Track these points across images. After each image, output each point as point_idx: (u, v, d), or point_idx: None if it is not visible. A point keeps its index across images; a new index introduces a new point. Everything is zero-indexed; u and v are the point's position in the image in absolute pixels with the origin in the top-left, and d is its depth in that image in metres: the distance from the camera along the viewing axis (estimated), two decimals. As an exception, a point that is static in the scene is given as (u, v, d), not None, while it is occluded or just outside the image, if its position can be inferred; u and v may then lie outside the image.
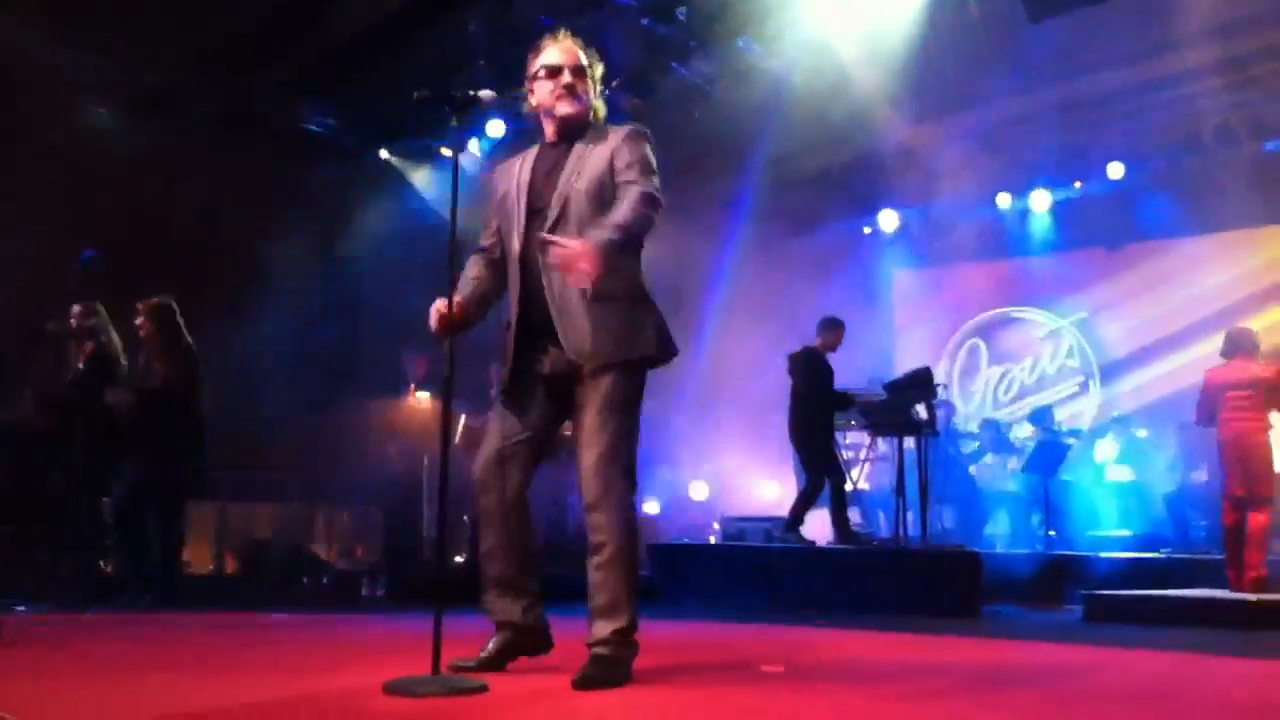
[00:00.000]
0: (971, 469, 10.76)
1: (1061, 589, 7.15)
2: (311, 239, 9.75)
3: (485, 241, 3.62)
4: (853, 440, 10.00)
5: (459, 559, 8.55)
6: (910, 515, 7.82)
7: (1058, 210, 11.66)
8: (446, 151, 10.26)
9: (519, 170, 3.51)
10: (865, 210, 12.52)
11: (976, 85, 9.48)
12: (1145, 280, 11.55)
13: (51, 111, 8.61)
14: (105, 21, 8.47)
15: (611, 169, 3.36)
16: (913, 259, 12.98)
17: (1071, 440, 10.32)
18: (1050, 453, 9.62)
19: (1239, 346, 7.00)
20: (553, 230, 3.32)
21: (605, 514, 3.25)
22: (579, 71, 3.47)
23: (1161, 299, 11.35)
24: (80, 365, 6.73)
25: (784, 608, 6.68)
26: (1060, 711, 3.01)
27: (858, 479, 9.30)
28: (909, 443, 8.23)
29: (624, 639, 3.25)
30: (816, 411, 8.01)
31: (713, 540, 10.08)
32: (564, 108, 3.45)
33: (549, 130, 3.52)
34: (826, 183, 11.96)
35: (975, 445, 11.07)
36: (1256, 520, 6.67)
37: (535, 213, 3.41)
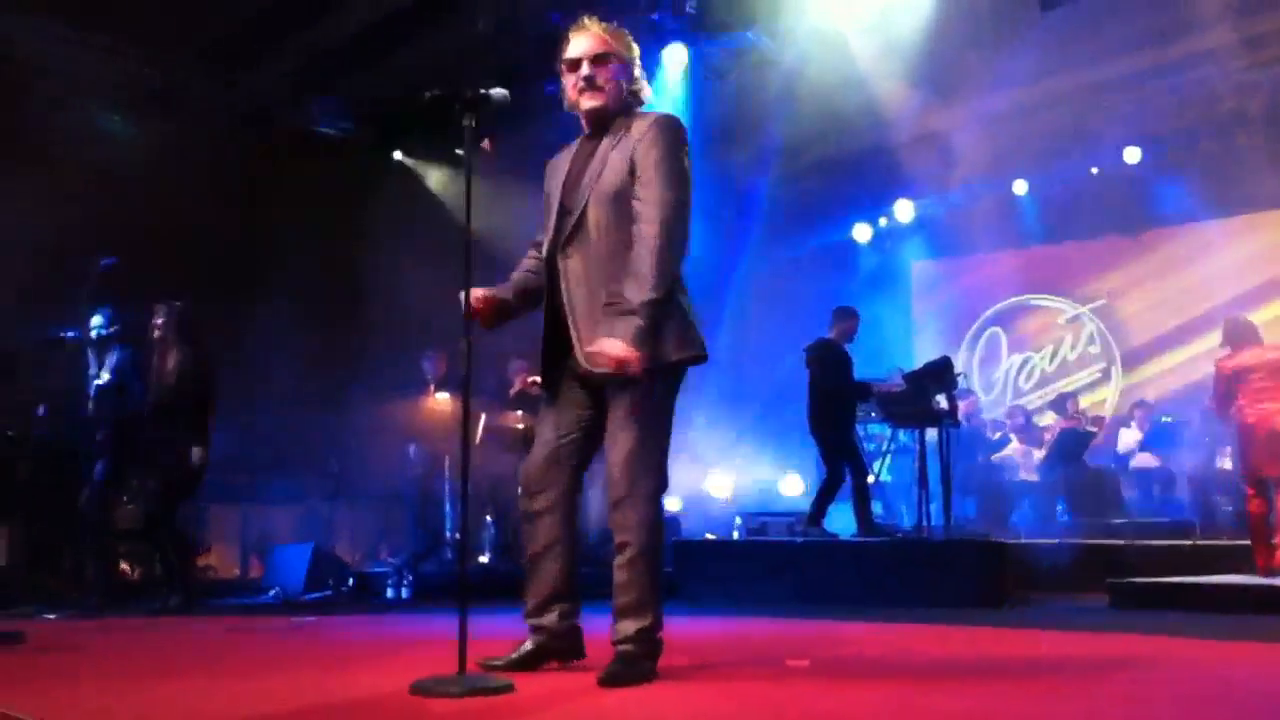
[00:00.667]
0: (994, 458, 10.71)
1: (1087, 577, 7.09)
2: (326, 239, 9.76)
3: (540, 236, 3.50)
4: (874, 432, 9.96)
5: (483, 559, 8.56)
6: (933, 506, 7.78)
7: (1074, 196, 11.59)
8: (460, 150, 10.24)
9: (561, 167, 3.46)
10: (881, 201, 12.48)
11: (989, 72, 9.43)
12: (1165, 265, 11.48)
13: (60, 113, 8.65)
14: (111, 21, 8.50)
15: (632, 172, 3.26)
16: (930, 249, 12.94)
17: (1093, 429, 10.25)
18: (1073, 440, 9.56)
19: (1244, 335, 6.99)
20: (574, 233, 3.29)
21: (629, 513, 3.22)
22: (599, 60, 3.37)
23: (1182, 283, 11.28)
24: (104, 372, 6.76)
25: (807, 602, 6.65)
26: (1086, 702, 2.98)
27: (880, 471, 9.25)
28: (930, 433, 8.18)
29: (648, 637, 3.23)
30: (835, 403, 7.97)
31: (735, 536, 10.06)
32: (585, 102, 3.39)
33: (584, 124, 3.47)
34: (841, 174, 11.92)
35: (998, 435, 11.01)
36: (1282, 504, 6.62)
37: (565, 212, 3.37)
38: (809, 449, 9.03)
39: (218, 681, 3.50)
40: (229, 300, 8.59)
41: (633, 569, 3.23)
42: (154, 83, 9.37)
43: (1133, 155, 10.83)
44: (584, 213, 3.31)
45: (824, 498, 7.87)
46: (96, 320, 6.81)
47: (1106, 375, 11.96)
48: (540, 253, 3.48)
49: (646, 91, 3.49)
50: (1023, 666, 3.81)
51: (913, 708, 2.92)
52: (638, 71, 3.47)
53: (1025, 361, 12.51)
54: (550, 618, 3.38)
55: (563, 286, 3.31)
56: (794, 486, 11.45)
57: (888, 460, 9.72)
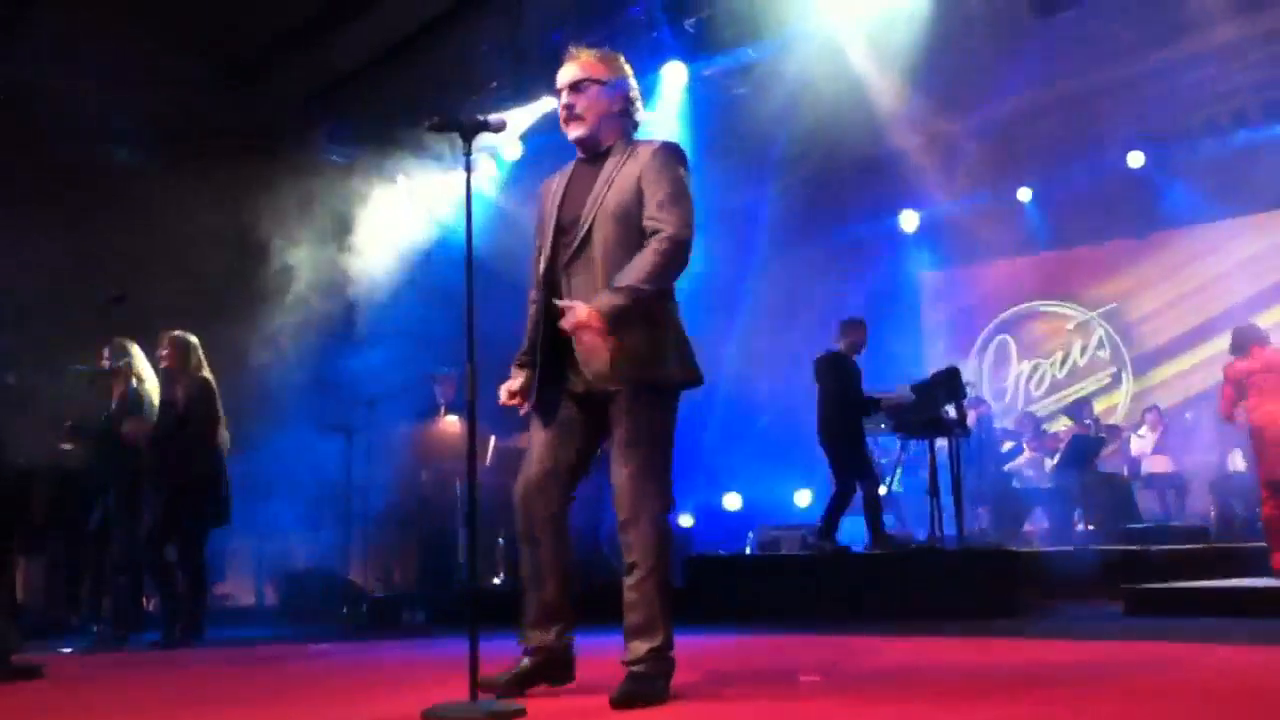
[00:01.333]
0: (1007, 466, 10.68)
1: (1102, 584, 7.07)
2: (331, 262, 9.81)
3: (537, 272, 3.48)
4: (885, 443, 9.94)
5: (495, 580, 8.56)
6: (945, 516, 7.76)
7: (1079, 201, 11.58)
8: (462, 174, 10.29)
9: (556, 189, 3.49)
10: (886, 212, 12.49)
11: (991, 80, 9.44)
12: (1173, 267, 11.46)
13: (66, 143, 8.71)
14: (117, 50, 8.56)
15: (639, 193, 3.31)
16: (935, 258, 12.93)
17: (1102, 436, 10.22)
18: (1084, 447, 9.54)
19: (1251, 339, 7.00)
20: (578, 252, 3.33)
21: (638, 533, 3.24)
22: (577, 88, 3.41)
23: (1191, 286, 11.26)
24: (114, 403, 6.80)
25: (821, 615, 6.64)
26: (1102, 710, 2.97)
27: (891, 483, 9.23)
28: (941, 443, 8.17)
29: (660, 656, 3.24)
30: (845, 416, 7.96)
31: (747, 550, 10.05)
32: (569, 131, 3.44)
33: (577, 149, 3.51)
34: (845, 186, 11.94)
35: (1011, 444, 10.98)
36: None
37: (563, 231, 3.40)
38: (820, 461, 9.02)
39: (234, 711, 3.51)
40: (240, 327, 8.63)
41: (642, 589, 3.24)
42: (165, 111, 9.43)
43: (1136, 159, 10.83)
44: (589, 233, 3.33)
45: (835, 510, 7.85)
46: (107, 351, 6.84)
47: (1117, 380, 11.93)
48: (536, 291, 3.50)
49: (640, 114, 3.51)
50: (1040, 676, 3.79)
51: (926, 722, 2.92)
52: (632, 94, 3.49)
53: (1035, 368, 12.49)
54: (547, 637, 3.40)
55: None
56: (806, 499, 11.43)
57: (899, 471, 9.71)
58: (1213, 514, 9.20)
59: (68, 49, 8.47)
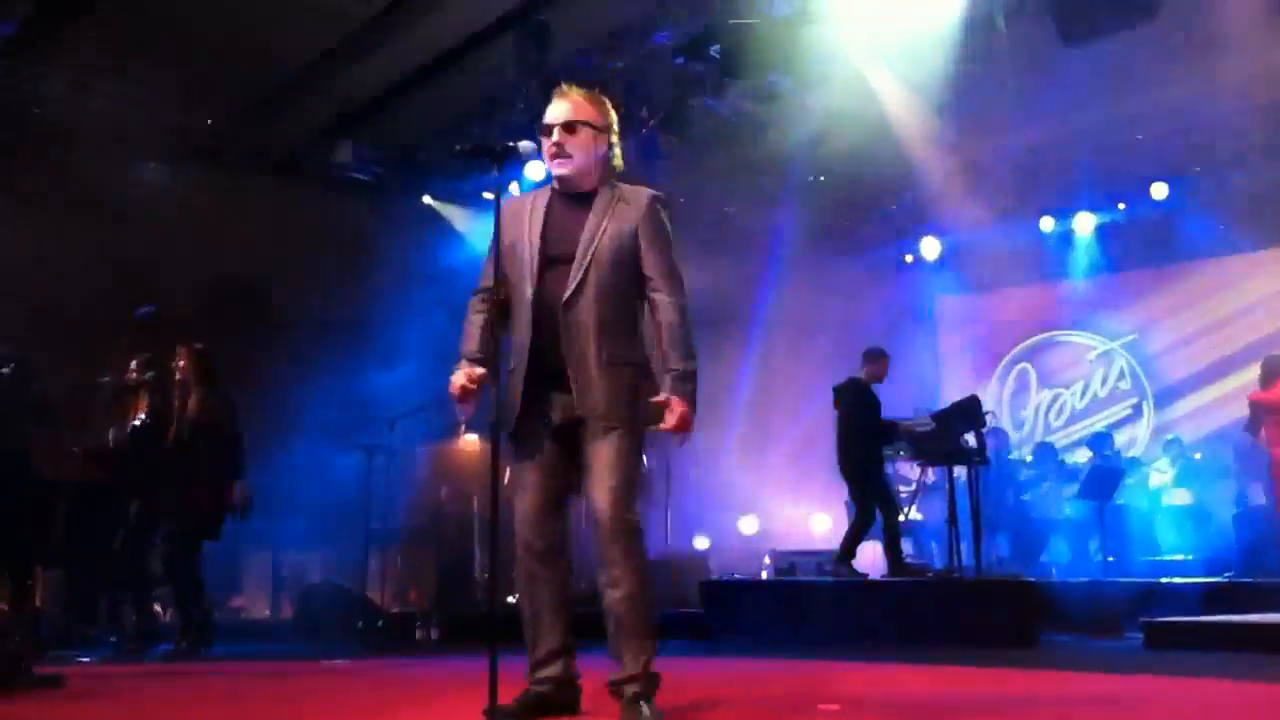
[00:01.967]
0: (1026, 496, 10.62)
1: (1121, 616, 7.02)
2: (356, 283, 9.89)
3: (489, 283, 3.49)
4: (904, 472, 9.91)
5: (511, 599, 8.55)
6: (964, 545, 7.72)
7: (1102, 232, 11.58)
8: (488, 195, 10.39)
9: (529, 216, 3.46)
10: (907, 238, 12.49)
11: (1015, 109, 9.44)
12: (1194, 299, 11.40)
13: (98, 163, 8.84)
14: (147, 72, 8.69)
15: (636, 243, 3.38)
16: (956, 285, 12.90)
17: (1122, 468, 10.15)
18: (1105, 478, 9.47)
19: (1276, 372, 6.98)
20: (577, 289, 3.32)
21: (621, 556, 3.26)
22: (569, 128, 3.41)
23: (1213, 318, 11.19)
24: (140, 416, 6.86)
25: (838, 643, 6.61)
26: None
27: (910, 510, 9.20)
28: (960, 472, 8.15)
29: (650, 673, 3.25)
30: (864, 443, 7.96)
31: (764, 575, 10.02)
32: (555, 168, 3.43)
33: (556, 184, 3.50)
34: (867, 212, 11.95)
35: (1031, 473, 10.91)
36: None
37: (551, 261, 3.39)
38: (837, 487, 9.01)
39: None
40: (263, 344, 8.71)
41: (628, 608, 3.26)
42: (193, 134, 9.55)
43: (1160, 191, 10.81)
44: (587, 272, 3.34)
45: (854, 537, 7.84)
46: (134, 365, 6.91)
47: (1138, 411, 11.85)
48: (491, 302, 3.49)
49: (618, 161, 3.53)
50: (1057, 708, 3.77)
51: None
52: (614, 139, 3.51)
53: (1055, 398, 12.43)
54: (555, 670, 3.40)
55: (564, 337, 3.33)
56: (823, 525, 11.40)
57: (918, 499, 9.68)
58: (1234, 547, 9.10)
59: (103, 70, 8.61)
